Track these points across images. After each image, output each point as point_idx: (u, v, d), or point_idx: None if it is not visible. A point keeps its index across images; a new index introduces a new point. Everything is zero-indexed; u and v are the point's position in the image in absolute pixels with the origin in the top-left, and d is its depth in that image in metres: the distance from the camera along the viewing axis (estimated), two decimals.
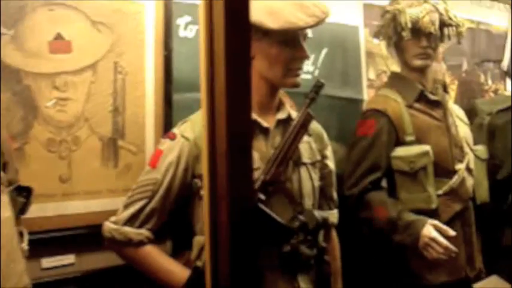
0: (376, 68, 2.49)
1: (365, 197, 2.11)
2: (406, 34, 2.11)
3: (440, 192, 2.13)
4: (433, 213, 2.10)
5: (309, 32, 1.79)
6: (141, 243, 1.61)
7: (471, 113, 2.90)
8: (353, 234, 2.24)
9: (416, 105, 2.18)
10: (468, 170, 2.20)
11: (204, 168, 0.88)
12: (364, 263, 2.30)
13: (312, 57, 2.31)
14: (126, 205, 1.63)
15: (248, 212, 0.91)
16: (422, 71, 2.19)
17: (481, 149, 2.35)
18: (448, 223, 2.13)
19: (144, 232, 1.61)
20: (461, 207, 2.17)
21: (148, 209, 1.61)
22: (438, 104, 2.21)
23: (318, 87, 1.66)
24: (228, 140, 0.96)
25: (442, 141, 2.17)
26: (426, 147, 2.09)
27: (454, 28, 2.20)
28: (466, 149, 2.22)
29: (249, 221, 0.89)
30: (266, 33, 1.58)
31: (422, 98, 2.19)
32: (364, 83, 2.47)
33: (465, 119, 2.34)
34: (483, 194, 2.30)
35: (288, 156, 1.62)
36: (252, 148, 0.97)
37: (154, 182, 1.60)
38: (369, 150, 2.13)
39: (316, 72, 2.32)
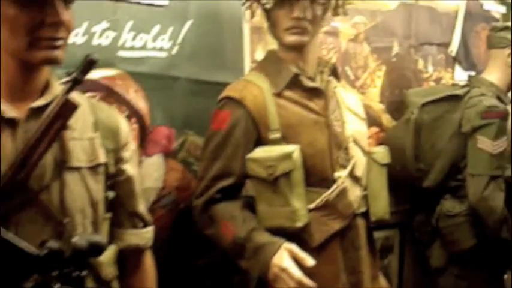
0: (266, 47, 2.01)
1: (211, 209, 1.65)
2: (266, 1, 1.64)
3: (311, 206, 1.65)
4: (301, 234, 1.63)
5: None
6: None
7: (402, 106, 2.43)
8: None
9: (288, 93, 1.70)
10: (354, 178, 1.72)
11: None
12: None
13: (170, 30, 1.84)
14: None
15: None
16: (299, 50, 1.71)
17: (381, 152, 1.85)
18: (324, 246, 1.67)
19: None
20: (342, 225, 1.69)
21: None
22: (319, 93, 1.73)
23: (86, 65, 1.20)
24: None
25: (318, 141, 1.69)
26: (290, 148, 1.61)
27: None
28: (353, 151, 1.73)
29: None
30: None
31: (296, 84, 1.71)
32: (248, 64, 2.00)
33: (361, 112, 1.85)
34: (380, 208, 1.81)
35: (34, 158, 1.17)
36: None
37: None
38: (220, 151, 1.66)
39: (175, 50, 1.85)
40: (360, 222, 1.76)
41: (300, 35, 1.67)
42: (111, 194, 1.35)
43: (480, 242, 2.17)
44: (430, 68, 2.59)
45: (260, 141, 1.66)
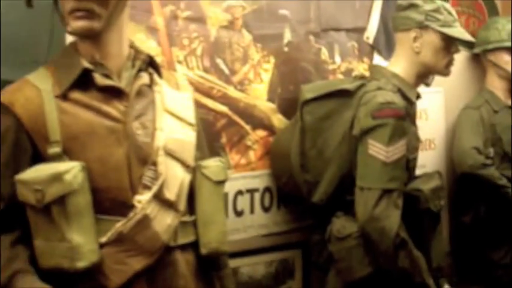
0: None
1: None
2: None
3: (103, 239, 1.29)
4: (95, 275, 1.27)
5: None
6: None
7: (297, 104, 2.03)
8: None
9: (76, 94, 1.32)
10: (163, 201, 1.34)
11: None
12: None
13: None
14: None
15: None
16: (93, 39, 1.34)
17: (214, 165, 1.46)
18: None
19: None
20: (147, 263, 1.31)
21: None
22: (120, 94, 1.36)
23: None
24: None
25: (113, 155, 1.31)
26: (62, 167, 1.24)
27: None
28: (165, 167, 1.35)
29: None
30: None
31: (89, 83, 1.34)
32: None
33: (189, 116, 1.46)
34: (213, 237, 1.43)
35: None
36: None
37: None
38: None
39: None
40: (180, 258, 1.38)
41: (87, 20, 1.29)
42: None
43: (377, 270, 1.77)
44: (338, 58, 2.18)
45: (39, 157, 1.30)
